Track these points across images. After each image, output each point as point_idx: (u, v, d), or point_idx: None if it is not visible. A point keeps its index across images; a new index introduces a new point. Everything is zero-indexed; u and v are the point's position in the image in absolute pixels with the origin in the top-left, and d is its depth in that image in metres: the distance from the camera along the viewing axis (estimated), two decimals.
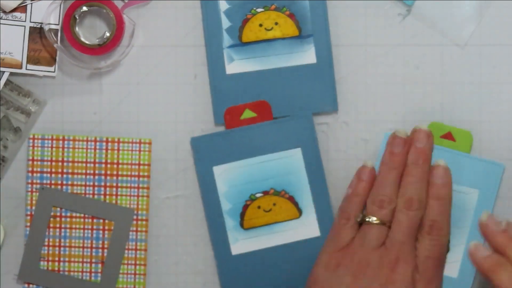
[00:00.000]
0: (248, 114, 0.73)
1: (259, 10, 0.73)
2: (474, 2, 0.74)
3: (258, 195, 0.73)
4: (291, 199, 0.73)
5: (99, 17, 0.74)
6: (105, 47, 0.73)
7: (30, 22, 0.73)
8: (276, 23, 0.73)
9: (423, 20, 0.74)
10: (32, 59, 0.73)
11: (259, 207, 0.73)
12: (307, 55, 0.73)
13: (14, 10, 0.73)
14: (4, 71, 0.73)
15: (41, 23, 0.73)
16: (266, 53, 0.73)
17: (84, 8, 0.73)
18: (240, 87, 0.72)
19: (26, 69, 0.73)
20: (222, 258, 0.73)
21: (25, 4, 0.73)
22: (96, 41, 0.73)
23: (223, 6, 0.73)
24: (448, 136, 0.73)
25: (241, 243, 0.73)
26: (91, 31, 0.74)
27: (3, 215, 0.74)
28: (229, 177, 0.73)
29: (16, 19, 0.73)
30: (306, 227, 0.73)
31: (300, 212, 0.73)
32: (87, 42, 0.73)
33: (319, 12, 0.73)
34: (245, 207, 0.73)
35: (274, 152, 0.73)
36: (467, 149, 0.73)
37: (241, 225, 0.73)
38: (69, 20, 0.73)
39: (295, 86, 0.73)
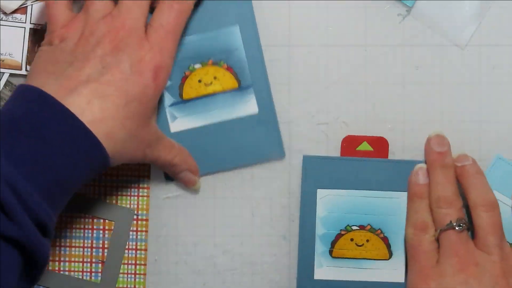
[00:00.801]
0: (365, 146, 0.73)
1: (197, 66, 0.73)
2: (474, 2, 0.74)
3: (354, 227, 0.73)
4: (385, 240, 0.73)
5: None
6: None
7: (31, 23, 0.73)
8: (215, 77, 0.73)
9: (423, 21, 0.74)
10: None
11: (352, 240, 0.73)
12: (249, 106, 0.73)
13: (14, 11, 0.73)
14: (4, 72, 0.73)
15: (42, 24, 0.73)
16: (208, 108, 0.73)
17: None
18: (186, 144, 0.72)
19: (26, 70, 0.73)
20: (303, 279, 0.73)
21: (26, 5, 0.73)
22: None
23: None
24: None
25: (326, 270, 0.73)
26: None
27: None
28: (330, 202, 0.73)
29: (17, 20, 0.73)
30: (393, 271, 0.73)
31: (390, 254, 0.73)
32: None
33: (257, 61, 0.73)
34: (338, 236, 0.73)
35: (381, 190, 0.73)
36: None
37: (330, 252, 0.73)
38: None
39: (240, 138, 0.73)
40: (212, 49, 0.73)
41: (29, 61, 0.73)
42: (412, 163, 0.73)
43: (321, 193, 0.73)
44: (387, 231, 0.73)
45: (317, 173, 0.73)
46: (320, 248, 0.73)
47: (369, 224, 0.73)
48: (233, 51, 0.73)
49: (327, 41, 0.74)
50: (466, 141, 0.74)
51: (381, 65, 0.74)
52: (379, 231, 0.73)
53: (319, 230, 0.73)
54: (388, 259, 0.73)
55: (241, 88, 0.73)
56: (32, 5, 0.73)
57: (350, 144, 0.74)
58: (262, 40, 0.74)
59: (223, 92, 0.73)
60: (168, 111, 0.73)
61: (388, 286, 0.73)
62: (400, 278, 0.73)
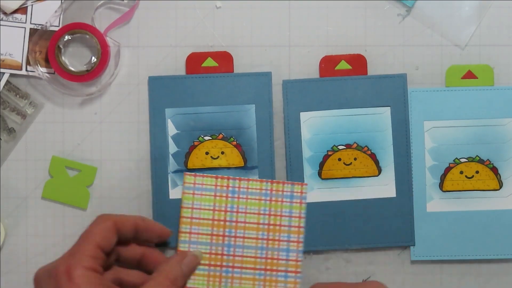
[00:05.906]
0: (343, 65, 0.73)
1: (206, 138, 0.73)
2: (474, 2, 0.74)
3: (340, 147, 0.73)
4: (373, 156, 0.73)
5: (83, 43, 0.74)
6: (93, 72, 0.73)
7: (31, 23, 0.73)
8: (223, 152, 0.73)
9: (423, 21, 0.74)
10: (32, 61, 0.73)
11: (339, 159, 0.73)
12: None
13: (14, 11, 0.73)
14: (4, 72, 0.73)
15: (42, 24, 0.73)
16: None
17: (67, 37, 0.73)
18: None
19: (26, 70, 0.73)
20: None
21: (26, 5, 0.73)
22: (84, 67, 0.73)
23: (172, 131, 0.74)
24: (469, 75, 0.73)
25: (316, 192, 0.73)
26: (78, 58, 0.74)
27: (3, 215, 0.74)
28: (314, 124, 0.73)
29: (17, 20, 0.73)
30: (383, 187, 0.73)
31: (379, 170, 0.73)
32: (74, 69, 0.73)
33: (266, 145, 0.73)
34: (326, 157, 0.73)
35: (363, 107, 0.73)
36: (491, 82, 0.73)
37: (319, 174, 0.73)
38: (54, 50, 0.72)
39: None
40: (224, 124, 0.73)
41: (29, 61, 0.73)
42: (392, 77, 0.73)
43: (304, 116, 0.73)
44: (374, 148, 0.73)
45: (298, 97, 0.73)
46: (309, 171, 0.73)
47: (355, 142, 0.73)
48: (245, 129, 0.73)
49: (327, 41, 0.75)
50: None
51: (381, 66, 0.74)
52: (365, 148, 0.73)
53: (306, 153, 0.73)
54: (377, 175, 0.73)
55: (246, 167, 0.73)
56: (32, 5, 0.73)
57: (328, 64, 0.74)
58: (262, 40, 0.74)
59: (228, 168, 0.73)
60: (171, 177, 0.73)
61: (380, 202, 0.73)
62: (391, 193, 0.73)
